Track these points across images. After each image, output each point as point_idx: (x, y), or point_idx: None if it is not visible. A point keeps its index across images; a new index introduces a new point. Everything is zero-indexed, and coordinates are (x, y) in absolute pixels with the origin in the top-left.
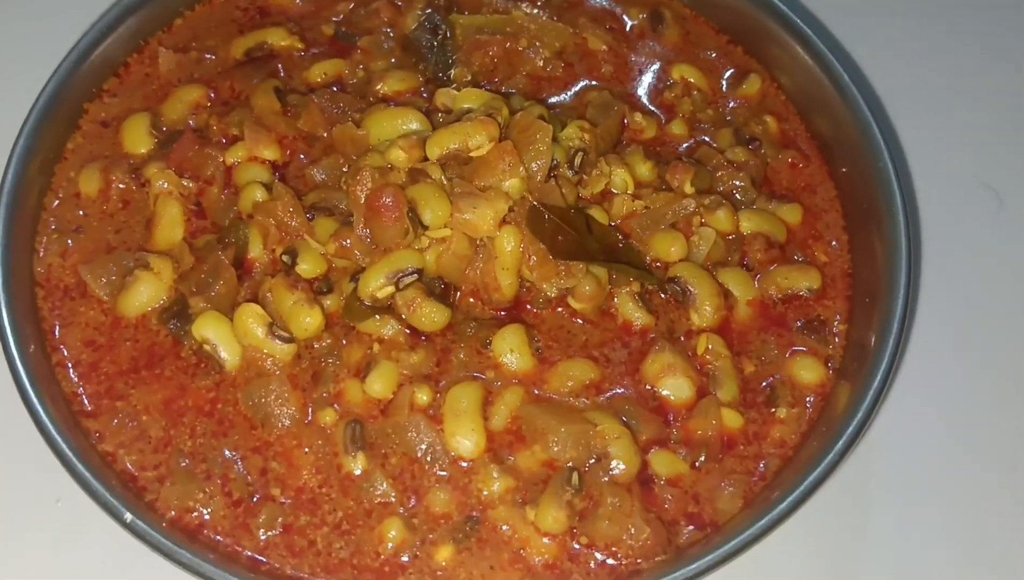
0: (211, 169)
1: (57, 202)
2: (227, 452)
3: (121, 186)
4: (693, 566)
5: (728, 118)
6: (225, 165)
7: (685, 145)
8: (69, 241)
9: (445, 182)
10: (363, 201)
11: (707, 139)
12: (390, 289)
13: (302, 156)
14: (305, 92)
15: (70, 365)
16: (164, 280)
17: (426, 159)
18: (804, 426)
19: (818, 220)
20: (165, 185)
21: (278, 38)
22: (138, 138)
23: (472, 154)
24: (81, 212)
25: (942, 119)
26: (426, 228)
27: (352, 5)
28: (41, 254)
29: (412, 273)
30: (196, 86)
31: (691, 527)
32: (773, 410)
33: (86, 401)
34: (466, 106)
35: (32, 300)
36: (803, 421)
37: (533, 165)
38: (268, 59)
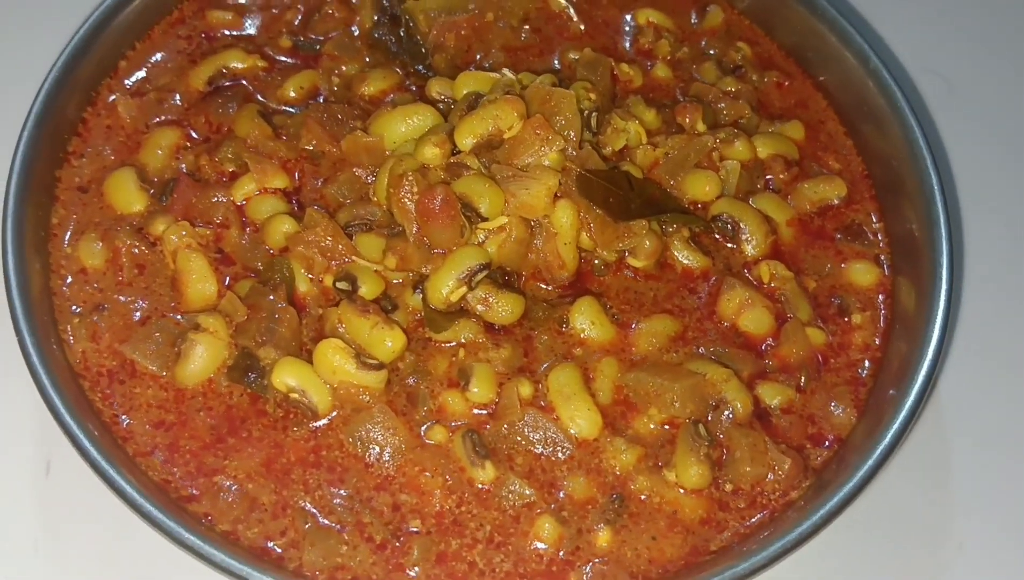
0: (221, 211)
1: (66, 284)
2: (351, 497)
3: (135, 251)
4: (843, 491)
5: (711, 52)
6: (235, 204)
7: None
8: (96, 321)
9: (485, 170)
10: (413, 207)
11: (697, 77)
12: (463, 290)
13: (318, 180)
14: (287, 111)
15: (151, 453)
16: (221, 337)
17: (456, 152)
18: (881, 326)
19: (820, 131)
20: (179, 239)
21: (237, 60)
22: (129, 196)
23: (506, 136)
24: (95, 287)
25: None
26: (484, 219)
27: (300, 13)
28: (71, 342)
29: (481, 269)
30: (169, 128)
31: (818, 447)
32: (847, 318)
33: (182, 486)
34: (472, 91)
35: (80, 393)
36: (878, 322)
37: (567, 134)
38: (234, 84)
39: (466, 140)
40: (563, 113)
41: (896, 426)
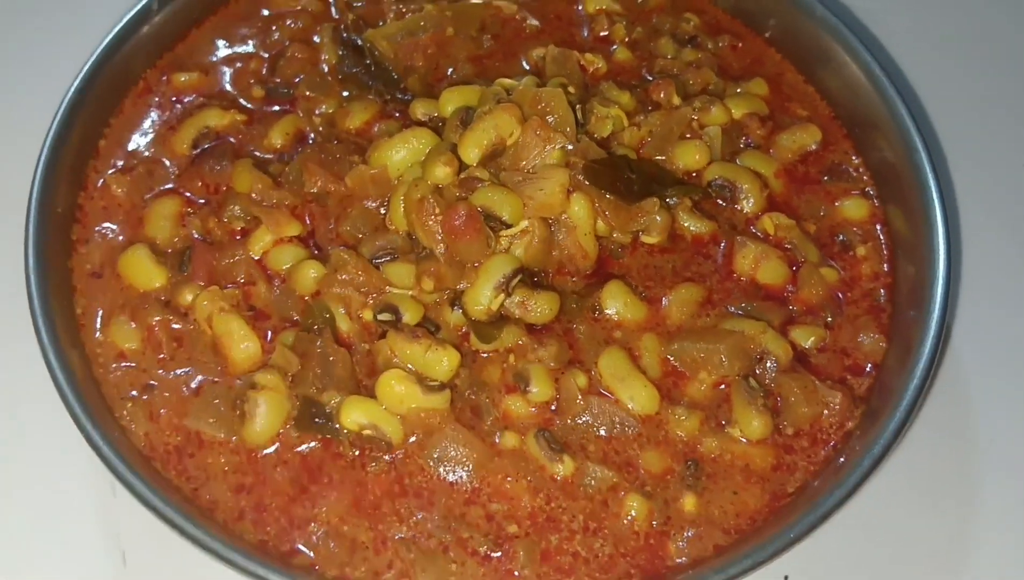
0: (243, 269)
1: (110, 371)
2: (445, 517)
3: (169, 325)
4: (898, 413)
5: (665, 27)
6: (254, 259)
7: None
8: (150, 401)
9: (496, 180)
10: (438, 228)
11: (657, 53)
12: (501, 297)
13: (329, 220)
14: (280, 158)
15: (240, 518)
16: (280, 391)
17: (463, 166)
18: (885, 253)
19: (781, 83)
20: (210, 304)
21: (216, 118)
22: (148, 272)
23: (508, 143)
24: (139, 368)
25: None
26: (506, 226)
27: (265, 62)
28: (133, 427)
29: (515, 274)
30: (167, 198)
31: (858, 377)
32: (852, 253)
33: (280, 543)
34: (460, 105)
35: (157, 474)
36: (881, 250)
37: (565, 130)
38: (219, 142)
39: (472, 153)
40: (556, 111)
41: (928, 346)
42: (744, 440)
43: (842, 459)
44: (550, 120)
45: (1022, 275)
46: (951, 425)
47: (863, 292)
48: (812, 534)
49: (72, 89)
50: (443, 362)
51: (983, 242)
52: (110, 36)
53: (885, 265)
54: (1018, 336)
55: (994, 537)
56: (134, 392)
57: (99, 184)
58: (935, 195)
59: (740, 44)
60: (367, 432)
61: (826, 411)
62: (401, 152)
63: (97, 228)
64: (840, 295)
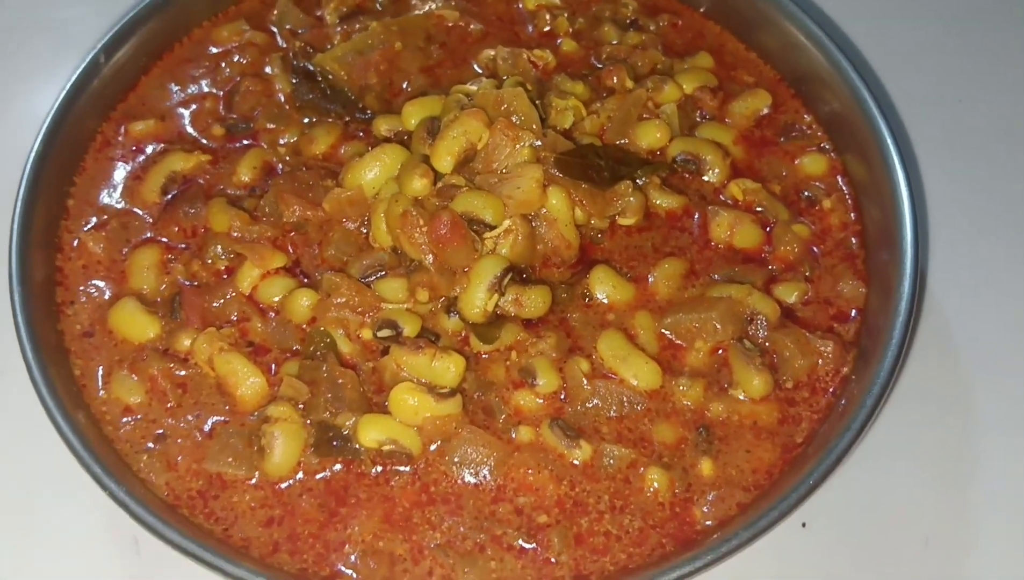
0: (235, 307)
1: (120, 428)
2: (476, 518)
3: (177, 373)
4: (889, 354)
5: (605, 14)
6: (244, 296)
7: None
8: (163, 450)
9: (472, 185)
10: (424, 240)
11: (602, 41)
12: (496, 297)
13: (312, 247)
14: (251, 193)
15: (275, 551)
16: (295, 420)
17: (438, 176)
18: (850, 202)
19: (724, 54)
20: (209, 346)
21: (182, 162)
22: (140, 324)
23: (479, 147)
24: (147, 419)
25: None
26: (491, 228)
27: (220, 100)
28: (153, 479)
29: (506, 273)
30: (145, 248)
31: (845, 324)
32: (819, 207)
33: (321, 569)
34: (423, 118)
35: (186, 521)
36: (845, 200)
37: (531, 127)
38: (188, 186)
39: (445, 161)
40: (519, 109)
41: (907, 284)
42: (748, 400)
43: (843, 403)
44: (515, 119)
45: (978, 200)
46: (936, 358)
47: (835, 242)
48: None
49: (32, 154)
50: (450, 369)
51: (939, 174)
52: (62, 95)
53: (852, 214)
54: (984, 259)
55: (995, 455)
56: (150, 444)
57: (74, 244)
58: (888, 138)
59: (680, 21)
60: (387, 447)
61: (821, 360)
62: (374, 170)
63: (81, 288)
64: (815, 248)
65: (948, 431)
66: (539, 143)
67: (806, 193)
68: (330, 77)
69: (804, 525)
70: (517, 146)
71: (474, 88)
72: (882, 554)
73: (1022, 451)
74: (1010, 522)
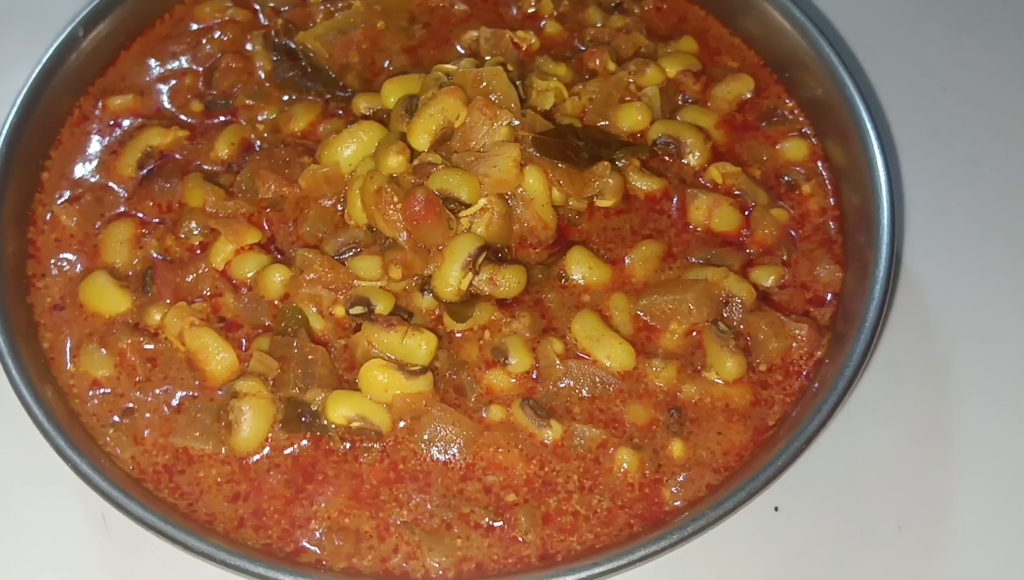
0: (208, 282)
1: (87, 402)
2: (444, 496)
3: (146, 347)
4: (863, 336)
5: None
6: (217, 271)
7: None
8: (132, 424)
9: (448, 163)
10: (399, 217)
11: (586, 23)
12: (470, 276)
13: (287, 223)
14: (229, 169)
15: (240, 526)
16: (264, 396)
17: (415, 154)
18: (829, 187)
19: (708, 38)
20: (180, 320)
21: (158, 137)
22: (111, 298)
23: (456, 125)
24: (115, 393)
25: None
26: (465, 206)
27: (200, 76)
28: (119, 453)
29: (480, 252)
30: (120, 222)
31: (820, 308)
32: (798, 191)
33: (285, 544)
34: (402, 96)
35: (150, 495)
36: (825, 185)
37: (510, 106)
38: (165, 161)
39: (422, 139)
40: (498, 89)
41: (882, 269)
42: (721, 382)
43: (816, 386)
44: (494, 98)
45: (956, 185)
46: (912, 341)
47: (814, 227)
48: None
49: (6, 127)
50: (422, 346)
51: (919, 160)
52: (37, 69)
53: (831, 199)
54: (961, 241)
55: (970, 439)
56: (115, 418)
57: (47, 217)
58: (867, 124)
59: (664, 5)
60: (356, 424)
61: (795, 343)
62: (351, 147)
63: (52, 261)
64: (793, 232)
65: (924, 414)
66: (517, 122)
67: (786, 178)
68: (311, 55)
69: (776, 509)
70: (495, 125)
71: (454, 67)
72: (855, 538)
73: (998, 435)
74: (985, 508)
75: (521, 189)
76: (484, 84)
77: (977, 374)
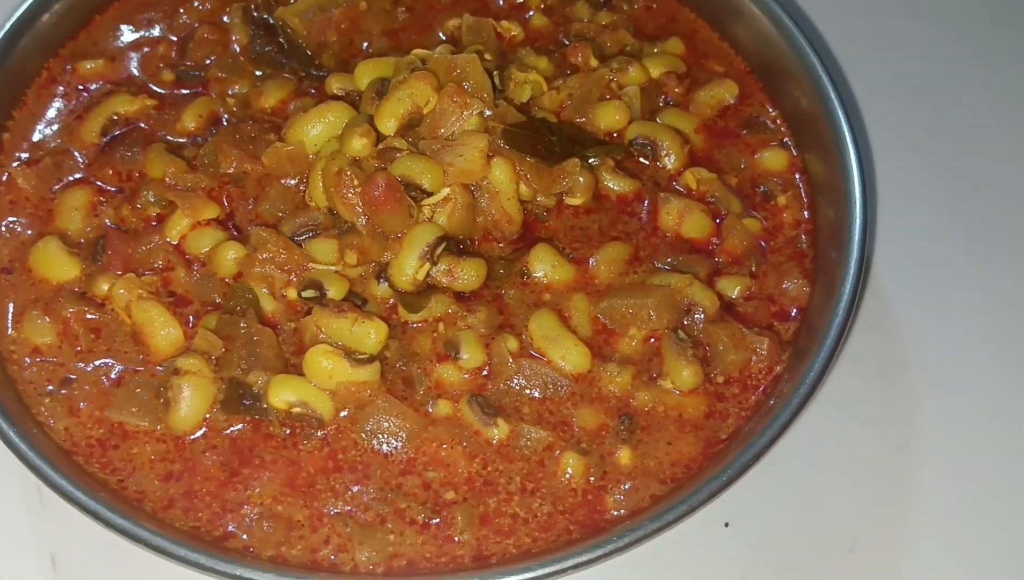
0: (161, 255)
1: (25, 369)
2: (381, 489)
3: (85, 317)
4: (823, 351)
5: None
6: (171, 245)
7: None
8: (69, 395)
9: (414, 149)
10: (358, 201)
11: (573, 17)
12: (427, 266)
13: (248, 201)
14: (193, 142)
15: (170, 507)
16: (205, 375)
17: (381, 138)
18: (805, 200)
19: (696, 41)
20: (128, 292)
21: (125, 104)
22: (60, 264)
23: (425, 111)
24: (55, 362)
25: None
26: (428, 195)
27: (174, 46)
28: (52, 423)
29: (439, 242)
30: (77, 188)
31: (785, 322)
32: (773, 202)
33: (213, 528)
34: (375, 78)
35: (79, 469)
36: (801, 197)
37: (481, 95)
38: (130, 129)
39: (388, 123)
40: (471, 77)
41: (849, 284)
42: (676, 391)
43: (772, 402)
44: (466, 86)
45: (934, 202)
46: (880, 356)
47: (786, 239)
48: (749, 477)
49: None
50: (370, 334)
51: (898, 177)
52: (7, 27)
53: (806, 212)
54: (935, 256)
55: (928, 463)
56: (50, 387)
57: (3, 178)
58: (848, 138)
59: (654, 4)
60: (297, 410)
61: (754, 357)
62: (317, 127)
63: (4, 223)
64: (764, 244)
65: (885, 433)
66: (489, 112)
67: (762, 188)
68: (289, 31)
69: (727, 525)
70: (465, 114)
71: (431, 53)
72: (806, 559)
73: (961, 459)
74: (942, 535)
75: (487, 181)
76: (458, 71)
77: (943, 394)
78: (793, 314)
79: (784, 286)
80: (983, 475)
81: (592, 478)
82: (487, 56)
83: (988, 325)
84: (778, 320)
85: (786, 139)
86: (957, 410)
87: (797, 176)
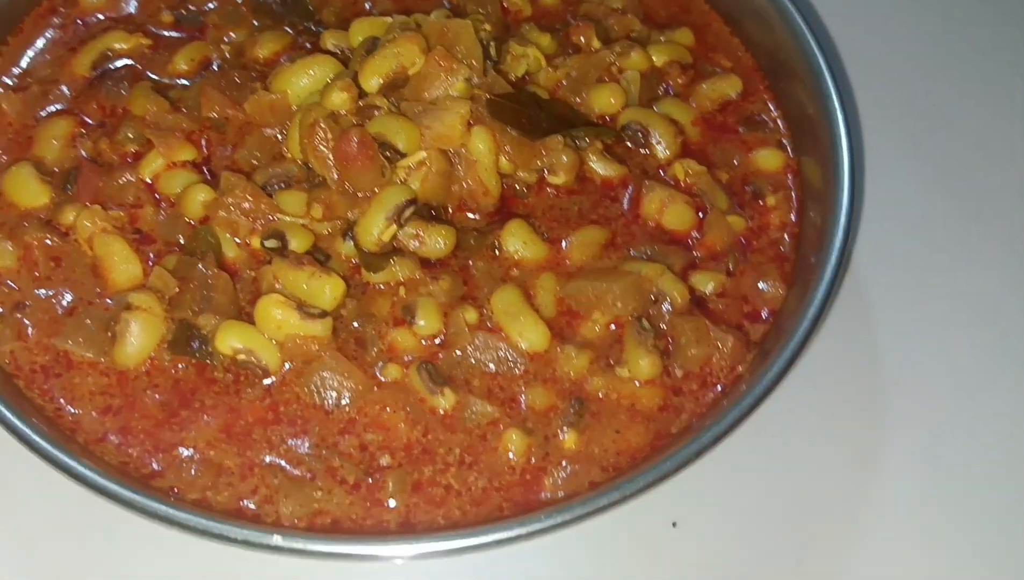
0: (132, 192)
1: None
2: (317, 445)
3: (47, 244)
4: (785, 353)
5: None
6: (144, 182)
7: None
8: (20, 319)
9: (395, 109)
10: (330, 155)
11: None
12: (393, 228)
13: (226, 146)
14: (182, 84)
15: (103, 439)
16: (156, 313)
17: (363, 95)
18: (794, 204)
19: (707, 33)
20: (92, 224)
21: (120, 41)
22: (31, 190)
23: (410, 72)
24: (11, 286)
25: None
26: (402, 156)
27: None
28: None
29: (408, 205)
30: (60, 118)
31: (755, 323)
32: (762, 202)
33: (142, 464)
34: (367, 36)
35: (17, 392)
36: (791, 200)
37: (470, 62)
38: (121, 66)
39: (372, 81)
40: (462, 43)
41: (822, 290)
42: (632, 380)
43: (725, 401)
44: (457, 53)
45: (919, 207)
46: (852, 364)
47: (769, 240)
48: (701, 476)
49: None
50: (326, 290)
51: (890, 185)
52: None
53: (793, 215)
54: (919, 270)
55: (893, 479)
56: (1, 310)
57: None
58: (845, 145)
59: None
60: (242, 357)
61: (717, 354)
62: (302, 79)
63: None
64: (745, 242)
65: (845, 441)
66: (476, 80)
67: (752, 186)
68: None
69: (675, 524)
70: (450, 79)
71: (428, 17)
72: (750, 567)
73: (919, 477)
74: (891, 556)
75: (465, 149)
76: (449, 35)
77: (910, 411)
78: (764, 316)
79: (760, 287)
80: (943, 499)
81: (533, 458)
82: (486, 26)
83: (968, 345)
84: (749, 321)
85: (784, 140)
86: (923, 430)
87: (789, 178)
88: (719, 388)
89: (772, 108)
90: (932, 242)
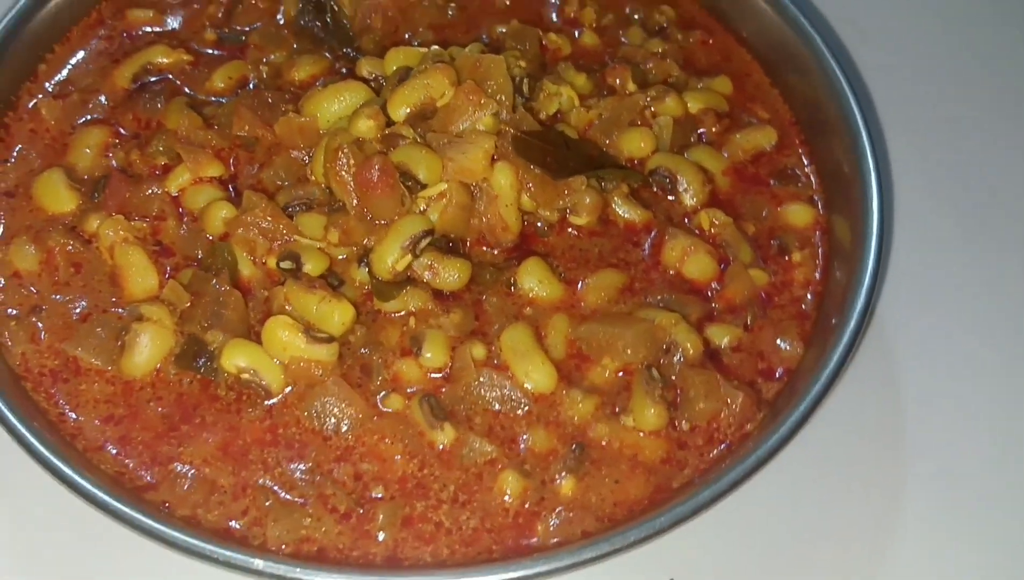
0: (157, 204)
1: (1, 290)
2: (312, 471)
3: (69, 250)
4: (793, 417)
5: (636, 16)
6: (170, 195)
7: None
8: (35, 322)
9: (420, 139)
10: (351, 180)
11: (624, 40)
12: (408, 258)
13: (253, 166)
14: (217, 101)
15: (102, 447)
16: (166, 326)
17: (390, 123)
18: (820, 261)
19: (746, 83)
20: (114, 233)
21: (162, 55)
22: (59, 196)
23: (439, 104)
24: (31, 289)
25: None
26: (423, 187)
27: (223, 6)
28: (10, 345)
29: (425, 235)
30: (96, 127)
31: (769, 381)
32: (787, 257)
33: (137, 476)
34: (401, 66)
35: (23, 394)
36: (817, 258)
37: (499, 98)
38: (160, 80)
39: (400, 110)
40: (494, 78)
41: (839, 351)
42: (637, 430)
43: (728, 460)
44: (488, 86)
45: (947, 263)
46: (873, 422)
47: (792, 297)
48: (702, 532)
49: (17, 8)
50: (335, 315)
51: (921, 237)
52: None
53: (818, 273)
54: (945, 329)
55: (909, 548)
56: (12, 310)
57: (30, 106)
58: (875, 204)
59: (711, 40)
60: (245, 376)
61: (725, 410)
62: (333, 104)
63: (19, 148)
64: (766, 297)
65: (859, 505)
66: (505, 115)
67: (778, 240)
68: (336, 10)
69: None
70: (478, 113)
71: (463, 50)
72: None
73: (940, 548)
74: None
75: (487, 183)
76: (481, 70)
77: (930, 475)
78: (779, 374)
79: (778, 344)
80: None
81: (528, 502)
82: (521, 63)
83: (994, 406)
84: (763, 378)
85: (815, 196)
86: (944, 500)
87: (817, 235)
88: (725, 445)
89: (806, 162)
90: (959, 300)
